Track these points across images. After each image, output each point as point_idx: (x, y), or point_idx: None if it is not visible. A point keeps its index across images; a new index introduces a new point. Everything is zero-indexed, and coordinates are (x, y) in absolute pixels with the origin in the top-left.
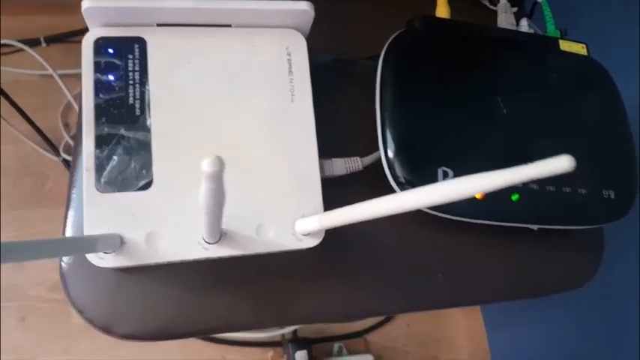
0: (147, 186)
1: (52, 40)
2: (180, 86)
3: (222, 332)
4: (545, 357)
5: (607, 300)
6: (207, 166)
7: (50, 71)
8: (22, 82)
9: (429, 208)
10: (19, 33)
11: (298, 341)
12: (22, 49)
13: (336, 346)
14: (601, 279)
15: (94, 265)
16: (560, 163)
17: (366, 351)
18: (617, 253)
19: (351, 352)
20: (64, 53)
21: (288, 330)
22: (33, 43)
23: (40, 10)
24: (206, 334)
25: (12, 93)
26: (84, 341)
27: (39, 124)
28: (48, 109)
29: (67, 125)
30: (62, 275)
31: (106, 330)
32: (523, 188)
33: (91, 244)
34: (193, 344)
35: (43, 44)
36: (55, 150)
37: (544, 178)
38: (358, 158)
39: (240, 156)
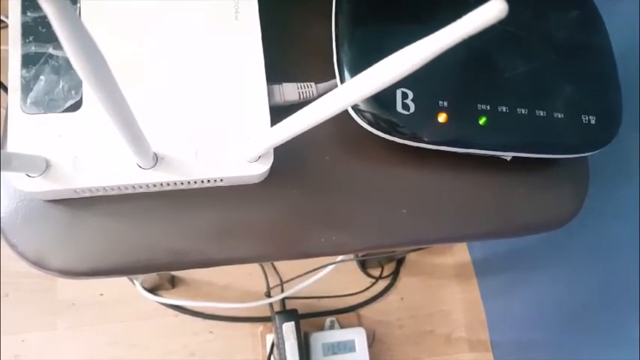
0: (76, 107)
1: None
2: (113, 2)
3: (163, 270)
4: (542, 321)
5: (595, 250)
6: None
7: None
8: None
9: (388, 133)
10: None
11: (286, 313)
12: None
13: (328, 320)
14: (589, 227)
15: (28, 199)
16: (491, 6)
17: (359, 325)
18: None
19: (343, 327)
20: None
21: (275, 299)
22: None
23: None
24: (149, 271)
25: None
26: (70, 316)
27: None
28: None
29: None
30: None
31: (39, 264)
32: (491, 110)
33: (6, 160)
34: (181, 320)
35: None
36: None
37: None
38: (312, 84)
39: (178, 76)
